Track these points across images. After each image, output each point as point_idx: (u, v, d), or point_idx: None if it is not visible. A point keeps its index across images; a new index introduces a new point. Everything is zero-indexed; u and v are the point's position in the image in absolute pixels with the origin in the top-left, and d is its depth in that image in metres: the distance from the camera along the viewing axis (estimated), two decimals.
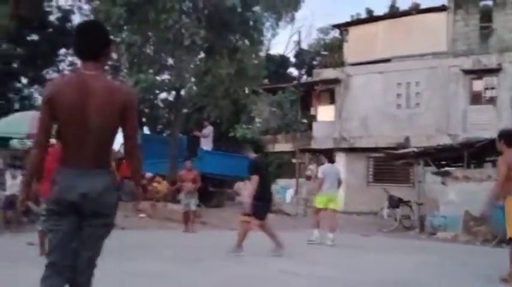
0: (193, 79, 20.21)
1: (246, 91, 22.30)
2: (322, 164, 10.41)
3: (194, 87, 20.67)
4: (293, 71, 36.05)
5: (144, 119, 25.56)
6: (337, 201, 11.46)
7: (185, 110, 21.65)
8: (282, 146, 27.86)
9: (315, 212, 10.87)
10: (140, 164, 3.10)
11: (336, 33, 31.97)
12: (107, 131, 2.93)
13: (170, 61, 19.07)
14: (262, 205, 8.08)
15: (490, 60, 21.25)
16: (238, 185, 17.91)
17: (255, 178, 7.92)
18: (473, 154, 16.08)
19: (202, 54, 19.74)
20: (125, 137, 3.00)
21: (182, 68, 17.95)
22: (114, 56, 17.73)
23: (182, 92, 19.43)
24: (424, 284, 5.91)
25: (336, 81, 24.94)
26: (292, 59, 36.90)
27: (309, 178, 26.51)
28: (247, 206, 8.04)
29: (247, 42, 19.43)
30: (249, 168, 8.08)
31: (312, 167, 27.56)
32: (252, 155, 8.62)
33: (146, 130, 25.07)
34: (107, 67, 17.05)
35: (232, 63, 17.89)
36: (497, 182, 6.18)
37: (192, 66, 19.10)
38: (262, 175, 8.13)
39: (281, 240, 8.21)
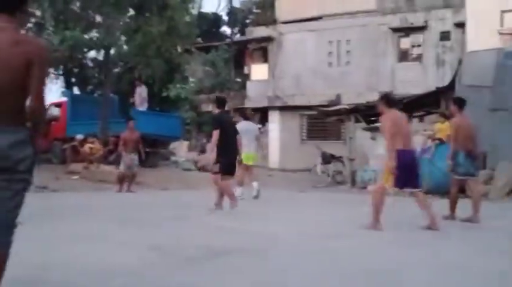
0: (123, 37, 19.63)
1: (179, 50, 21.92)
2: (237, 122, 10.43)
3: (124, 46, 20.08)
4: (226, 30, 35.63)
5: (73, 79, 24.67)
6: (256, 158, 11.72)
7: (116, 70, 21.05)
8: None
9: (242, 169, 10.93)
10: (42, 128, 2.98)
11: None
12: (11, 87, 2.72)
13: (98, 18, 18.37)
14: (224, 161, 8.11)
15: (416, 18, 21.84)
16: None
17: (216, 133, 7.95)
18: (401, 109, 16.65)
19: (131, 12, 19.14)
20: (31, 94, 2.77)
21: (111, 26, 17.35)
22: (38, 12, 16.85)
23: (112, 51, 18.86)
24: (356, 235, 6.18)
25: (269, 39, 24.93)
26: (225, 18, 36.45)
27: None
28: (212, 163, 8.12)
29: None
30: (212, 123, 8.22)
31: None
32: (216, 110, 8.56)
33: (76, 90, 24.22)
34: (29, 24, 16.26)
35: (163, 21, 17.47)
36: (387, 139, 6.51)
37: (121, 23, 18.50)
38: (225, 130, 8.11)
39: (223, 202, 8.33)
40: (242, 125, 10.67)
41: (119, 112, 19.38)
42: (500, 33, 10.43)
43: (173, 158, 21.64)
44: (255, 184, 10.76)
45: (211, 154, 8.24)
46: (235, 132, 8.61)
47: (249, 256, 4.64)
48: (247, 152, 10.36)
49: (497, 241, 5.98)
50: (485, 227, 7.21)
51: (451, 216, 7.68)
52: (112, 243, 5.16)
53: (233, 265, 4.26)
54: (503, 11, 10.54)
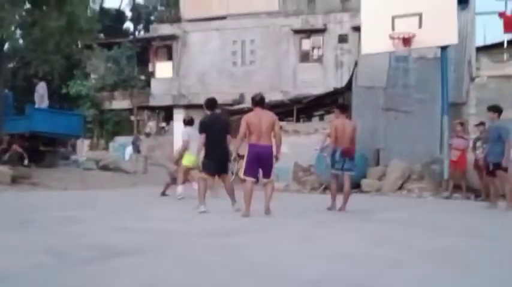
0: (19, 31, 18.68)
1: (79, 46, 21.19)
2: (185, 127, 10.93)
3: (20, 41, 19.12)
4: (130, 26, 34.91)
5: None
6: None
7: (11, 65, 19.94)
8: (120, 103, 27.15)
9: (185, 171, 10.96)
10: None
11: None
12: None
13: None
14: (209, 162, 8.15)
15: (317, 21, 22.62)
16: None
17: (202, 137, 8.10)
18: (302, 109, 17.23)
19: (28, 5, 18.24)
20: None
21: (5, 19, 16.41)
22: None
23: (6, 45, 17.89)
24: (252, 229, 6.33)
25: (173, 37, 24.77)
26: (129, 14, 35.69)
27: (148, 135, 26.34)
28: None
29: None
30: (198, 127, 8.30)
31: (151, 124, 27.39)
32: (207, 112, 8.58)
33: None
34: None
35: (62, 16, 16.79)
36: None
37: (17, 17, 17.57)
38: (211, 133, 8.16)
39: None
40: (189, 130, 11.04)
41: (14, 109, 18.41)
42: (391, 38, 11.05)
43: (73, 157, 20.89)
44: (179, 188, 10.86)
45: (198, 156, 8.40)
46: (223, 132, 8.44)
47: (145, 256, 4.62)
48: (189, 154, 10.61)
49: (387, 231, 6.37)
50: (377, 218, 7.67)
51: (333, 206, 8.57)
52: (1, 247, 4.93)
53: (128, 265, 4.22)
54: (394, 17, 11.17)
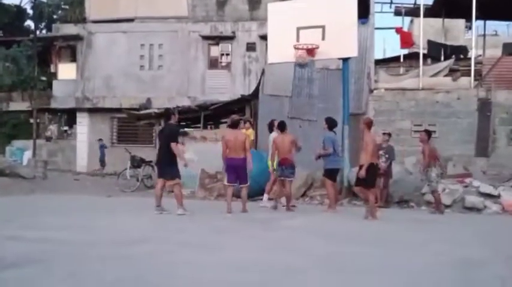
0: None
1: None
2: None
3: None
4: (31, 25, 33.25)
5: None
6: None
7: None
8: (18, 105, 25.81)
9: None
10: None
11: None
12: None
13: None
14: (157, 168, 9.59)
15: (225, 28, 22.79)
16: None
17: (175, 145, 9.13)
18: (210, 116, 17.24)
19: None
20: None
21: None
22: None
23: None
24: (156, 237, 6.27)
25: (78, 37, 23.92)
26: (30, 11, 33.98)
27: (49, 139, 25.21)
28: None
29: None
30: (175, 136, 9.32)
31: (53, 127, 26.23)
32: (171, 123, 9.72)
33: None
34: None
35: None
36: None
37: None
38: (160, 141, 9.41)
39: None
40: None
41: None
42: (296, 48, 11.37)
43: None
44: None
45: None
46: (168, 139, 9.22)
47: (37, 267, 4.43)
48: None
49: (288, 238, 6.54)
50: (279, 226, 7.87)
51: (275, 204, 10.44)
52: None
53: (18, 278, 4.03)
54: (299, 28, 11.49)
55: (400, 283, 4.14)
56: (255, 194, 11.87)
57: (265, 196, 11.17)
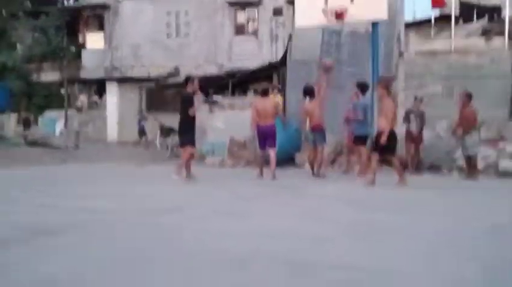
0: None
1: (4, 14, 20.13)
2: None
3: None
4: None
5: None
6: None
7: None
8: (49, 75, 26.14)
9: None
10: None
11: None
12: None
13: None
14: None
15: None
16: None
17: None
18: (238, 83, 17.18)
19: None
20: None
21: None
22: None
23: None
24: (186, 206, 6.33)
25: (105, 6, 23.94)
26: None
27: (79, 109, 25.54)
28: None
29: None
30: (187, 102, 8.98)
31: (83, 97, 26.54)
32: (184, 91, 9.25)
33: None
34: None
35: None
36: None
37: None
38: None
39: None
40: None
41: None
42: (324, 12, 11.13)
43: None
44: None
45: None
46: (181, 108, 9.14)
47: (76, 235, 4.53)
48: None
49: (317, 206, 6.53)
50: (308, 193, 7.87)
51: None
52: None
53: (57, 245, 4.12)
54: None
55: (425, 248, 4.11)
56: (283, 161, 11.87)
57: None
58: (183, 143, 9.25)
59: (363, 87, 10.30)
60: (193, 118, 9.09)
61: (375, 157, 8.63)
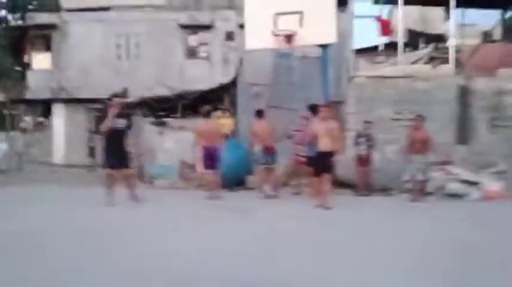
0: None
1: None
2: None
3: None
4: (4, 14, 32.50)
5: None
6: None
7: None
8: None
9: None
10: None
11: None
12: None
13: None
14: None
15: (203, 17, 22.48)
16: None
17: None
18: (188, 105, 17.01)
19: None
20: None
21: None
22: None
23: None
24: (133, 227, 6.09)
25: (52, 26, 23.36)
26: (4, 0, 33.21)
27: (24, 130, 24.68)
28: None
29: None
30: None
31: (28, 118, 25.68)
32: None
33: None
34: None
35: None
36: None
37: None
38: None
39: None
40: None
41: None
42: (274, 35, 11.19)
43: None
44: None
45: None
46: None
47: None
48: None
49: (265, 225, 6.40)
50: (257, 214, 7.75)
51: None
52: None
53: None
54: (277, 14, 11.30)
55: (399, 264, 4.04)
56: (233, 183, 11.74)
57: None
58: (113, 166, 8.58)
59: (314, 110, 10.33)
60: (122, 138, 8.59)
61: (326, 178, 8.60)
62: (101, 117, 8.61)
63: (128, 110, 9.02)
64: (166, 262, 4.10)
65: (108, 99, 8.95)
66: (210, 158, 10.01)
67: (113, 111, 8.59)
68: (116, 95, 9.17)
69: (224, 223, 6.85)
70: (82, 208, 8.48)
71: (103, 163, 8.64)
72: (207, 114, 10.90)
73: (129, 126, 8.82)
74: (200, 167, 10.21)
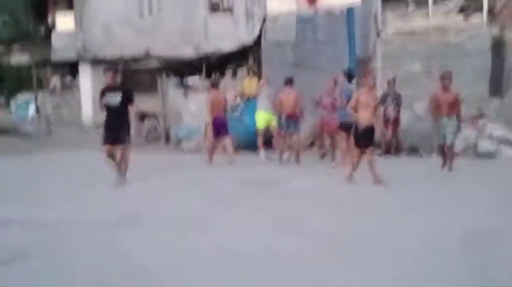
0: None
1: None
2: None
3: None
4: None
5: None
6: None
7: None
8: (19, 58, 25.28)
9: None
10: None
11: None
12: None
13: None
14: None
15: None
16: None
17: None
18: (213, 64, 16.77)
19: None
20: None
21: None
22: None
23: None
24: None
25: None
26: None
27: (52, 92, 24.85)
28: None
29: None
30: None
31: (56, 80, 25.78)
32: None
33: None
34: None
35: None
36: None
37: None
38: None
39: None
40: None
41: None
42: None
43: None
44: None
45: None
46: None
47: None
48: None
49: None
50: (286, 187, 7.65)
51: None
52: None
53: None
54: None
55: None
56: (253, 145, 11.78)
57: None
58: (112, 142, 8.22)
59: (350, 76, 10.23)
60: (118, 114, 8.16)
61: (357, 151, 8.16)
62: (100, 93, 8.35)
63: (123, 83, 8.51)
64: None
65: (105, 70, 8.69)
66: (218, 128, 10.39)
67: (105, 85, 8.37)
68: (109, 68, 8.82)
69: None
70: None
71: (114, 140, 8.20)
72: (214, 85, 10.97)
73: (125, 101, 8.20)
74: (210, 138, 10.67)
